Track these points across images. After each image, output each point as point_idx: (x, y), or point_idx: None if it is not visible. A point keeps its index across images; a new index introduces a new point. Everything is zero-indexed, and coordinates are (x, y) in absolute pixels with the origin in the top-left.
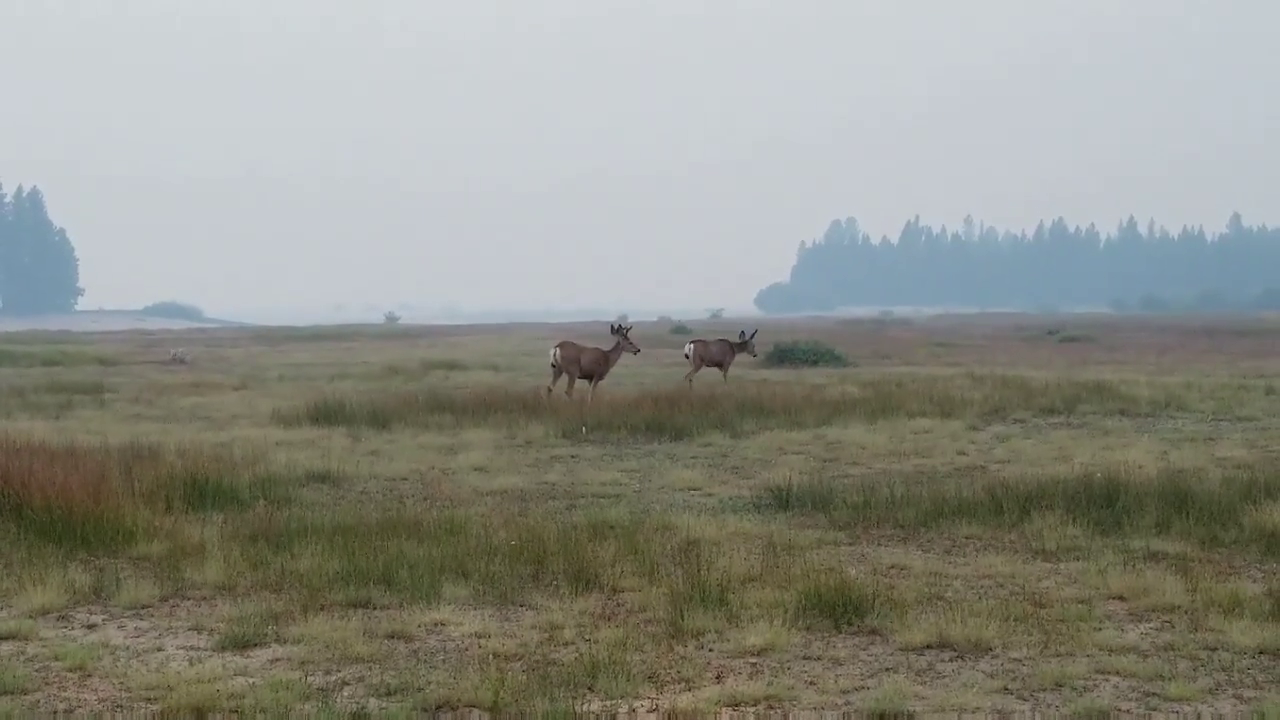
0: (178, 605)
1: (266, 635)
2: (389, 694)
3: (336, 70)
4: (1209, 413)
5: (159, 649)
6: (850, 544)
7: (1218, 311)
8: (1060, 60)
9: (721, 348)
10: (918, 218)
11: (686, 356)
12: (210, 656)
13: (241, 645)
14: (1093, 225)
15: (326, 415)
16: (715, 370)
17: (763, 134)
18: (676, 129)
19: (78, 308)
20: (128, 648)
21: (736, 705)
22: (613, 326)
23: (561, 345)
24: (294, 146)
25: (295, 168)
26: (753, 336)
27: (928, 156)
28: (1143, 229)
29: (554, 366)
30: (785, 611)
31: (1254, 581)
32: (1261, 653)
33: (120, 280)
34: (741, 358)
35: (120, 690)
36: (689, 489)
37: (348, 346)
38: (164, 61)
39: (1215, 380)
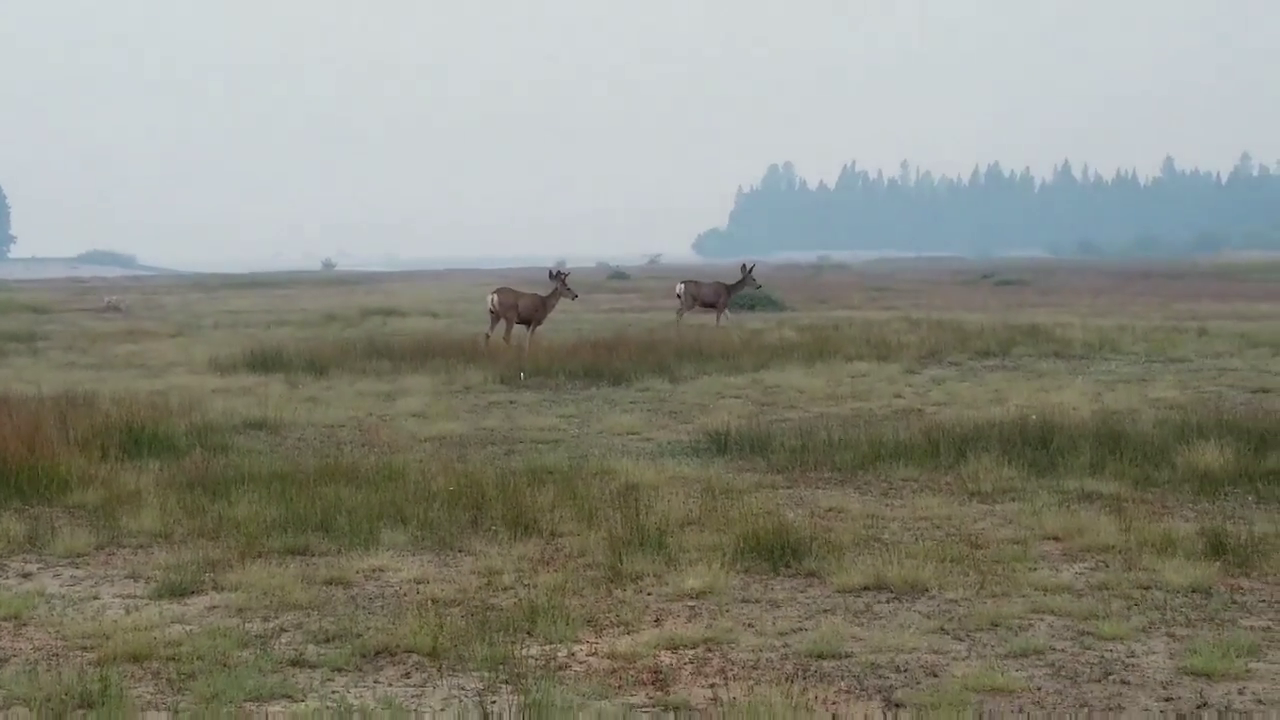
0: (114, 553)
1: (204, 583)
2: (327, 640)
3: (270, 14)
4: (1142, 355)
5: (95, 597)
6: (788, 487)
7: (1151, 255)
8: (991, 5)
9: (715, 288)
10: (854, 162)
11: (678, 296)
12: (147, 604)
13: (178, 593)
14: (1027, 169)
15: (264, 362)
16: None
17: (699, 79)
18: (612, 74)
19: (10, 255)
20: (63, 596)
21: (675, 648)
22: (551, 272)
23: (499, 291)
24: (228, 90)
25: (230, 112)
26: (751, 270)
27: (864, 101)
28: (1077, 173)
29: (492, 313)
30: (723, 555)
31: (1186, 521)
32: (1194, 591)
33: (53, 228)
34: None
35: (56, 639)
36: (627, 434)
37: (285, 294)
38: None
39: (1148, 323)
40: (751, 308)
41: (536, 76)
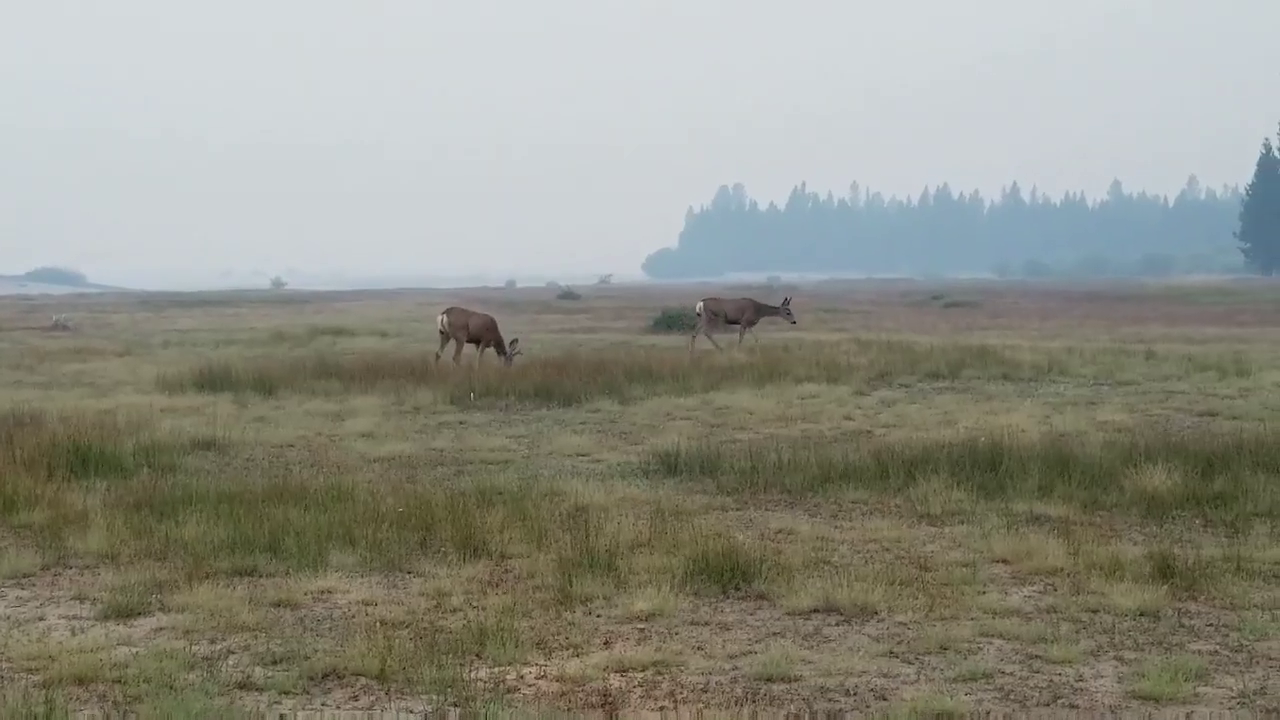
0: (60, 574)
1: (150, 604)
2: (275, 663)
3: (219, 24)
4: (1090, 377)
5: (41, 619)
6: (738, 509)
7: (1099, 277)
8: (944, 27)
9: (741, 304)
10: (804, 184)
11: (698, 315)
12: (93, 626)
13: (125, 614)
14: (977, 192)
15: (212, 382)
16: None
17: (651, 99)
18: (565, 96)
19: None
20: (8, 618)
21: (625, 671)
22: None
23: (449, 311)
24: (176, 107)
25: (178, 130)
26: (787, 303)
27: (813, 124)
28: (1026, 195)
29: (442, 333)
30: (673, 577)
31: (1134, 544)
32: (1142, 614)
33: (0, 246)
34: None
35: (1, 661)
36: (577, 455)
37: (234, 312)
38: (34, 10)
39: (1096, 345)
40: None
41: (487, 96)
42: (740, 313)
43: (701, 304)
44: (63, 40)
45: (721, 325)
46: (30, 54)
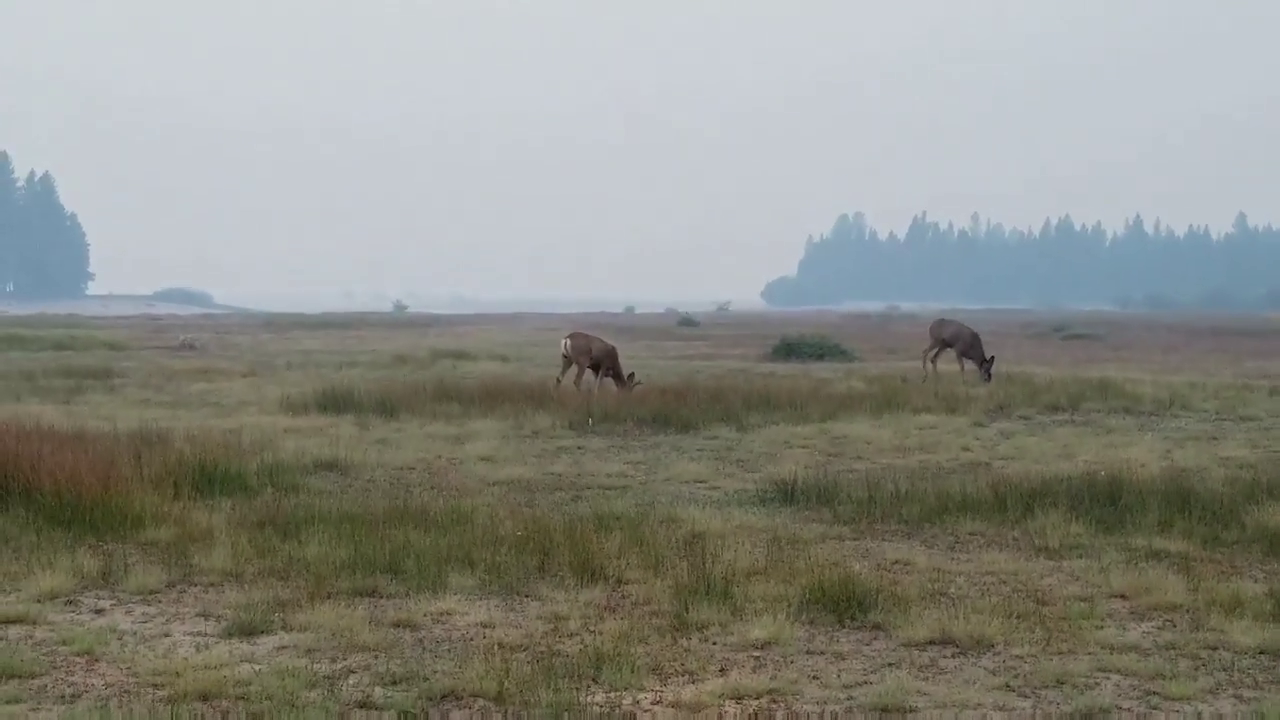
0: (185, 591)
1: (273, 622)
2: (394, 683)
3: (346, 56)
4: (1213, 412)
5: (166, 635)
6: (854, 539)
7: (1223, 311)
8: (1068, 59)
9: (959, 330)
10: (925, 214)
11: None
12: (217, 643)
13: (248, 632)
14: (1099, 223)
15: (334, 403)
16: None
17: (771, 127)
18: (685, 122)
19: (88, 293)
20: (135, 633)
21: (740, 698)
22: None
23: (573, 336)
24: (302, 135)
25: (304, 156)
26: (990, 361)
27: (936, 153)
28: (1149, 227)
29: (565, 357)
30: (789, 605)
31: (1255, 581)
32: (1262, 653)
33: (130, 265)
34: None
35: (127, 675)
36: (694, 482)
37: (356, 334)
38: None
39: (1219, 380)
40: (820, 357)
41: (609, 122)
42: (956, 339)
43: (931, 325)
44: (195, 74)
45: (942, 347)
46: (166, 74)
